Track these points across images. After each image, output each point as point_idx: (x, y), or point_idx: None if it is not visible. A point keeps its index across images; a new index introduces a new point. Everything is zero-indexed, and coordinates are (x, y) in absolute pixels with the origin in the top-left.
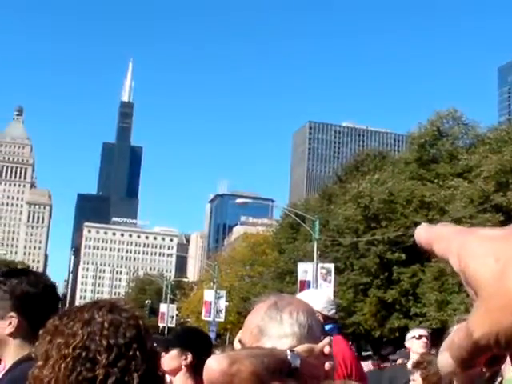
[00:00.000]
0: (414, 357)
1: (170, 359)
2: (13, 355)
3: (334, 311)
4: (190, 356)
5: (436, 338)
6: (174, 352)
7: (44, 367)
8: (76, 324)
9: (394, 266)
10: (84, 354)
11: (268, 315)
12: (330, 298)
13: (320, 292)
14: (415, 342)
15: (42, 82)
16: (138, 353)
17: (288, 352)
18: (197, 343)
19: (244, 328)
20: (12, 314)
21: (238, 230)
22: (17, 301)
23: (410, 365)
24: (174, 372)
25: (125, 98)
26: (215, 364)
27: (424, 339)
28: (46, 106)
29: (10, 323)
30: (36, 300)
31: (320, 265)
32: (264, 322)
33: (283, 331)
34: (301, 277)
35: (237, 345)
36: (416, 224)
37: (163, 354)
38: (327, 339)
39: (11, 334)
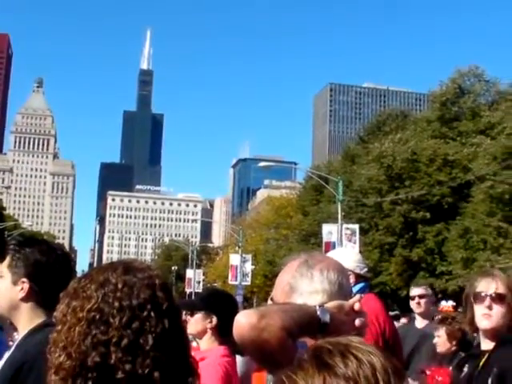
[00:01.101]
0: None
1: (195, 323)
2: (26, 320)
3: (365, 269)
4: (214, 319)
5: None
6: (198, 315)
7: (61, 331)
8: (92, 286)
9: (419, 224)
10: (98, 316)
11: (299, 272)
12: (360, 257)
13: (351, 250)
14: (411, 303)
15: (61, 52)
16: (152, 313)
17: (318, 307)
18: (221, 305)
19: (275, 286)
20: (24, 279)
21: (261, 194)
22: (29, 268)
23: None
24: (200, 335)
25: (144, 66)
26: (244, 319)
27: (416, 299)
28: (65, 76)
29: (22, 288)
30: (48, 268)
31: (344, 226)
32: (295, 279)
33: (314, 287)
34: (326, 238)
35: (269, 303)
36: (440, 182)
37: (188, 317)
38: (357, 296)
39: (23, 299)
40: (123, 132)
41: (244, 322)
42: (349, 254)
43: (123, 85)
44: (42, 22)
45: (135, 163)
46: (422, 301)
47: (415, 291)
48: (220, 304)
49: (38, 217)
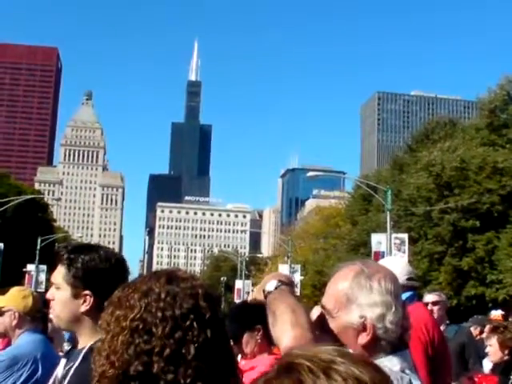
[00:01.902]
0: None
1: (246, 344)
2: (90, 332)
3: (412, 279)
4: (261, 331)
5: None
6: (245, 336)
7: (105, 340)
8: (135, 295)
9: (469, 233)
10: (141, 326)
11: (356, 283)
12: (408, 266)
13: (399, 259)
14: None
15: (110, 65)
16: (195, 324)
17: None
18: (261, 314)
19: (328, 293)
20: (87, 292)
21: (310, 204)
22: (89, 278)
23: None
24: (255, 353)
25: (192, 77)
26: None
27: (430, 306)
28: (114, 88)
29: (85, 301)
30: (107, 275)
31: (394, 235)
32: (352, 290)
33: (373, 299)
34: (375, 248)
35: (315, 310)
36: (489, 190)
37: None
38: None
39: (86, 312)
40: (172, 143)
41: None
42: (397, 263)
43: (171, 96)
44: (90, 35)
45: (184, 174)
46: (436, 307)
47: (429, 298)
48: (260, 313)
49: (87, 228)
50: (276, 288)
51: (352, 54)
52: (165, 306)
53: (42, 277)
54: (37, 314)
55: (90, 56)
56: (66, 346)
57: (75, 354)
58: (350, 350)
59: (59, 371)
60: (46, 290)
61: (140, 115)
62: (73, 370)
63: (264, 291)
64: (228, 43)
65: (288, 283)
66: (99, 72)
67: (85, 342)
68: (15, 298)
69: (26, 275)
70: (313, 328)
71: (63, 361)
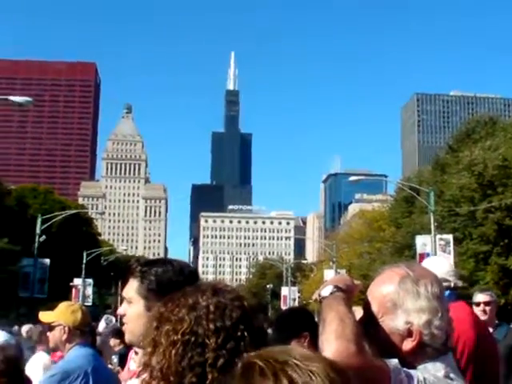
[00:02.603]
0: None
1: None
2: None
3: (456, 279)
4: (308, 337)
5: None
6: (293, 343)
7: (153, 354)
8: (182, 310)
9: None
10: (193, 338)
11: (403, 288)
12: (451, 266)
13: (441, 260)
14: (474, 309)
15: (148, 77)
16: (245, 333)
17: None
18: (305, 320)
19: (371, 296)
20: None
21: (353, 208)
22: (163, 289)
23: None
24: None
25: (230, 87)
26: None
27: (481, 306)
28: (153, 100)
29: None
30: (181, 287)
31: (438, 236)
32: (398, 295)
33: (420, 305)
34: (420, 250)
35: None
36: None
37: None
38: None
39: None
40: (212, 153)
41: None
42: (437, 263)
43: (211, 106)
44: (128, 48)
45: (225, 183)
46: (488, 308)
47: (480, 297)
48: (306, 320)
49: (132, 241)
50: (331, 293)
51: (390, 57)
52: (215, 318)
53: (89, 290)
54: (86, 328)
55: (128, 69)
56: (115, 359)
57: None
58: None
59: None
60: (94, 303)
61: (180, 126)
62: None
63: (319, 295)
64: (264, 51)
65: (344, 289)
66: (138, 85)
67: None
68: (64, 313)
69: (73, 289)
70: (359, 340)
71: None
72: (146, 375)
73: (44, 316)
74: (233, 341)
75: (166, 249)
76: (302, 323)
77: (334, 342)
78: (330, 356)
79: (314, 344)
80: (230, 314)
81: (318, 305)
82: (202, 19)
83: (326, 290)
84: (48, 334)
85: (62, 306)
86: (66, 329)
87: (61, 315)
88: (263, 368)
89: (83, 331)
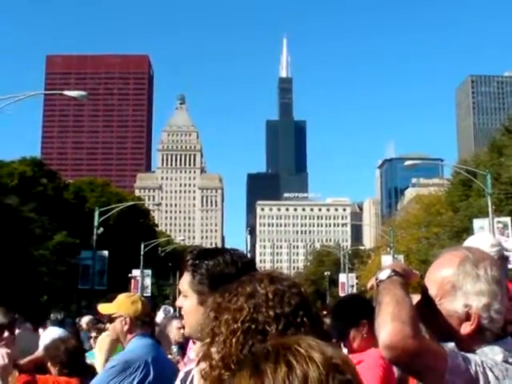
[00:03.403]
0: None
1: (354, 340)
2: None
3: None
4: (366, 325)
5: None
6: (352, 332)
7: (212, 345)
8: (240, 298)
9: None
10: (253, 326)
11: (462, 270)
12: (494, 240)
13: (487, 236)
14: None
15: (201, 67)
16: (305, 319)
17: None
18: (363, 308)
19: (429, 279)
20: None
21: (409, 193)
22: (215, 283)
23: None
24: (362, 348)
25: (283, 74)
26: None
27: None
28: (206, 90)
29: None
30: (234, 280)
31: (496, 219)
32: (458, 278)
33: (479, 288)
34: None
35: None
36: None
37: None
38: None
39: None
40: (267, 141)
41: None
42: (482, 239)
43: (264, 94)
44: (179, 38)
45: (281, 171)
46: None
47: None
48: (364, 308)
49: (189, 231)
50: (388, 277)
51: (443, 39)
52: (274, 305)
53: (148, 281)
54: (146, 319)
55: (181, 60)
56: (175, 349)
57: None
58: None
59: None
60: (152, 294)
61: (234, 115)
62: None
63: (376, 279)
64: (316, 37)
65: (402, 274)
66: (190, 75)
67: None
68: (125, 304)
69: (132, 281)
70: (415, 323)
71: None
72: (204, 365)
73: (104, 308)
74: (293, 327)
75: (223, 238)
76: (361, 311)
77: (389, 323)
78: (384, 338)
79: (373, 331)
80: (288, 300)
81: (374, 291)
82: (253, 6)
83: (383, 274)
84: (108, 325)
85: (122, 297)
86: (127, 320)
87: (121, 306)
88: (268, 352)
89: (143, 322)
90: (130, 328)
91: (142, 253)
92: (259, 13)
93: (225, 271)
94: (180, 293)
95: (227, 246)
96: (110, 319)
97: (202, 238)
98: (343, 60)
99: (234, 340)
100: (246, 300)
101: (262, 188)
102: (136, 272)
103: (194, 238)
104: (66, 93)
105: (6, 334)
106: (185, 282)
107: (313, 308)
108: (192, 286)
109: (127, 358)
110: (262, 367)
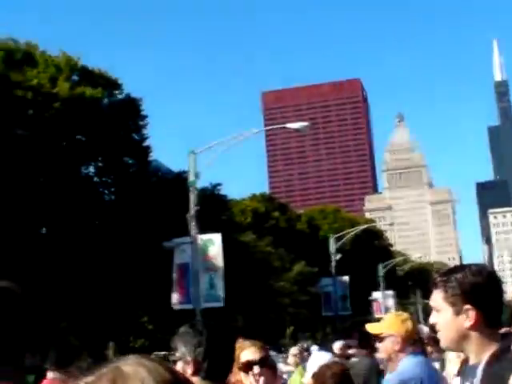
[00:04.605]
0: None
1: None
2: (478, 348)
3: None
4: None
5: None
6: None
7: None
8: None
9: None
10: None
11: None
12: None
13: None
14: None
15: (413, 83)
16: None
17: None
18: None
19: None
20: (467, 306)
21: None
22: (467, 293)
23: None
24: None
25: (497, 77)
26: None
27: None
28: (421, 104)
29: (467, 316)
30: (483, 289)
31: None
32: None
33: None
34: None
35: None
36: None
37: None
38: None
39: (471, 327)
40: (491, 148)
41: None
42: None
43: (481, 100)
44: (387, 58)
45: (509, 177)
46: None
47: None
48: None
49: (424, 248)
50: None
51: None
52: None
53: (390, 302)
54: (416, 337)
55: (392, 78)
56: (437, 365)
57: (469, 370)
58: None
59: None
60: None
61: (453, 125)
62: None
63: None
64: None
65: None
66: (404, 92)
67: (476, 356)
68: (395, 324)
69: (374, 303)
70: None
71: (457, 379)
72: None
73: (372, 327)
74: None
75: (459, 252)
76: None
77: None
78: None
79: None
80: None
81: None
82: (462, 13)
83: None
84: (378, 344)
85: (391, 316)
86: (399, 339)
87: (391, 326)
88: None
89: (414, 340)
90: (402, 347)
91: (381, 274)
92: (469, 17)
93: (472, 281)
94: (425, 311)
95: (464, 258)
96: (380, 339)
97: (438, 253)
98: None
99: None
100: None
101: (491, 196)
102: (376, 294)
103: (429, 254)
104: (289, 125)
105: (257, 369)
106: (437, 298)
107: None
108: (446, 300)
109: (403, 378)
110: None
